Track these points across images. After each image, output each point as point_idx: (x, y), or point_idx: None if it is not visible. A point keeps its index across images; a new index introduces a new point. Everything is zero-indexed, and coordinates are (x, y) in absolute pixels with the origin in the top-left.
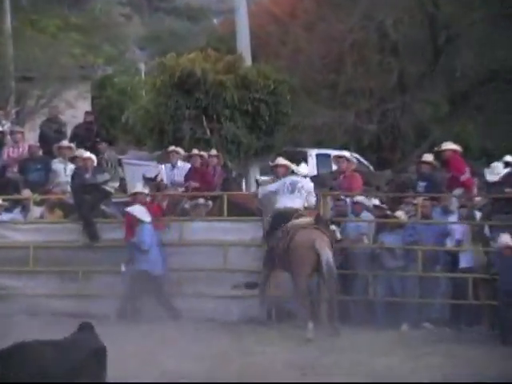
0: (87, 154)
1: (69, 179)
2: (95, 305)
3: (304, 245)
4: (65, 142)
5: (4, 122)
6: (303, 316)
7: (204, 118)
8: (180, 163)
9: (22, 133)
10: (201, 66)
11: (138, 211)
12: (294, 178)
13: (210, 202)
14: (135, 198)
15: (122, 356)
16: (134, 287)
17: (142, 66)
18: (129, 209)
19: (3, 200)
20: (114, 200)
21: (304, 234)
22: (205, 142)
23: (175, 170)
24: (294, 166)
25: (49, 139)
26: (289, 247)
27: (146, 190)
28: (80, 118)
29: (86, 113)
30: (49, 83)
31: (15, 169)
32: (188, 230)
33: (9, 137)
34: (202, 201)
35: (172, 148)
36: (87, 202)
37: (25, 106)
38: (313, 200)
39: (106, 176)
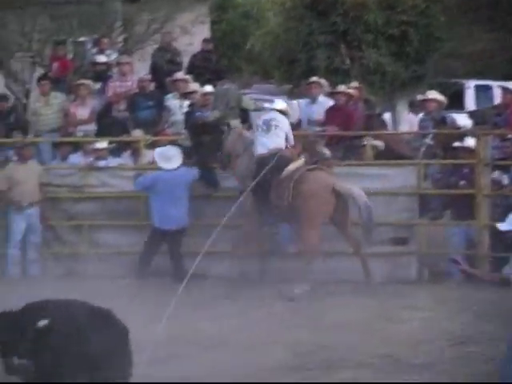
0: (206, 87)
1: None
2: (213, 264)
3: (320, 190)
4: (180, 74)
5: (109, 51)
6: (308, 273)
7: (342, 44)
8: (321, 98)
9: (131, 64)
10: None
11: (161, 154)
12: (264, 115)
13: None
14: None
15: (253, 324)
16: (148, 243)
17: None
18: (157, 150)
19: (109, 142)
20: None
21: (310, 180)
22: (343, 73)
23: (314, 107)
24: (265, 104)
25: (161, 71)
26: (298, 195)
27: None
28: (197, 46)
29: (204, 40)
30: (160, 5)
31: (123, 106)
32: None
33: (115, 69)
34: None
35: (314, 78)
36: (206, 145)
37: (133, 32)
38: (291, 142)
39: (216, 113)
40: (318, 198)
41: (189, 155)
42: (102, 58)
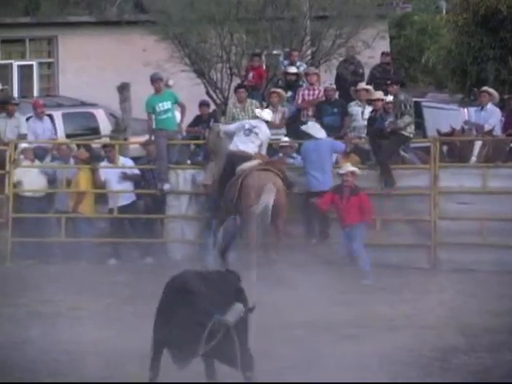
0: (386, 96)
1: (365, 123)
2: (392, 254)
3: (253, 188)
4: (362, 84)
5: (299, 63)
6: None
7: (510, 58)
8: (489, 106)
9: (318, 74)
10: (506, 3)
11: (312, 127)
12: (253, 121)
13: None
14: None
15: (424, 307)
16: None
17: (443, 4)
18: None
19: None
20: (412, 145)
21: (254, 177)
22: (510, 84)
23: (483, 114)
24: (257, 110)
25: (345, 81)
26: (239, 191)
27: None
28: (377, 59)
29: (383, 53)
30: (345, 22)
31: (310, 112)
32: (491, 176)
33: (304, 79)
34: None
35: (484, 88)
36: (385, 148)
37: (320, 46)
38: (264, 151)
39: (407, 119)
40: (251, 194)
41: (368, 157)
42: (292, 69)
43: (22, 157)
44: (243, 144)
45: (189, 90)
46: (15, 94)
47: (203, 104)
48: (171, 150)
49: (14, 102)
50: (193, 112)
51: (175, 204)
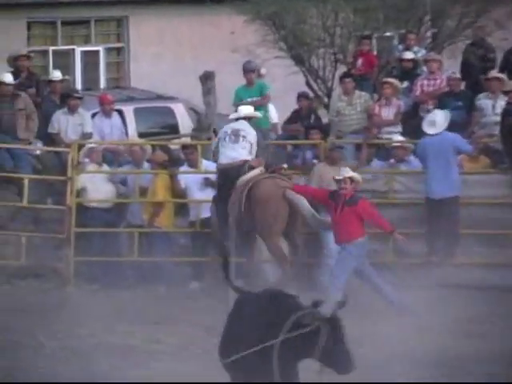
0: None
1: (497, 119)
2: None
3: (272, 197)
4: (493, 72)
5: (416, 48)
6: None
7: None
8: None
9: (440, 61)
10: None
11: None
12: (234, 125)
13: None
14: None
15: None
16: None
17: None
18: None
19: None
20: None
21: (267, 184)
22: None
23: None
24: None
25: (473, 68)
26: (250, 204)
27: None
28: None
29: None
30: None
31: (430, 106)
32: None
33: (423, 66)
34: None
35: None
36: None
37: (443, 27)
38: (254, 153)
39: None
40: (272, 205)
41: (500, 159)
42: (408, 55)
43: (86, 160)
44: (234, 151)
45: (284, 79)
46: (78, 85)
47: (302, 96)
48: None
49: (77, 96)
50: (289, 106)
51: None
